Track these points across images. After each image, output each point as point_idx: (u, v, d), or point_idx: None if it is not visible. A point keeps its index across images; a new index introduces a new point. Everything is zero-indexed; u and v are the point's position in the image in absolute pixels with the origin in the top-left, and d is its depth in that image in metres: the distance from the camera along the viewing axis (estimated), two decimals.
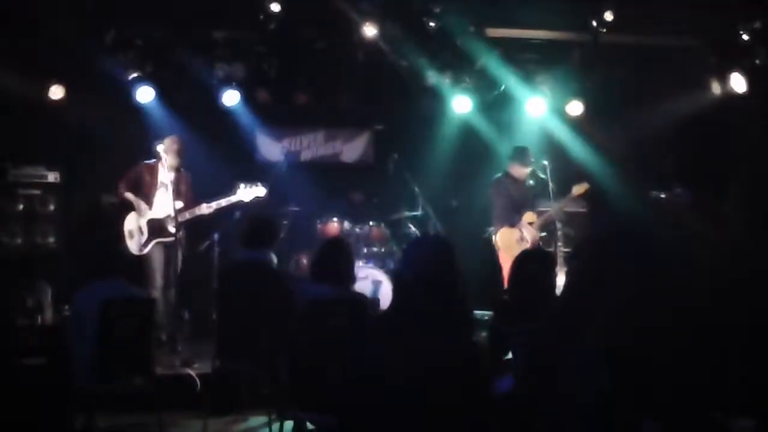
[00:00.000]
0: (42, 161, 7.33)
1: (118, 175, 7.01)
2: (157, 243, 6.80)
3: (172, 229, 6.70)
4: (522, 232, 7.21)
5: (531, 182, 7.58)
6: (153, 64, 7.43)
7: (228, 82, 7.66)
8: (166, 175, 6.85)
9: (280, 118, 8.76)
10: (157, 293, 6.68)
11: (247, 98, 7.95)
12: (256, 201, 6.92)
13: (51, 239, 7.26)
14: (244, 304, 4.99)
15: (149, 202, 6.88)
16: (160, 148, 6.73)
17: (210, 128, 7.93)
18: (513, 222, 7.28)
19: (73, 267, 6.64)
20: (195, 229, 7.03)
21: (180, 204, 6.72)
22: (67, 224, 7.42)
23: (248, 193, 6.89)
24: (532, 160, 7.43)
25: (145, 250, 6.79)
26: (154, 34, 7.32)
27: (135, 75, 7.31)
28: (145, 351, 4.96)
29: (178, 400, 5.56)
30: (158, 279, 6.80)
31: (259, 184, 6.95)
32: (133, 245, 6.82)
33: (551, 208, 7.39)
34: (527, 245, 7.01)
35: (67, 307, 6.35)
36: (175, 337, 6.62)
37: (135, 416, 5.24)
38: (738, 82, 7.67)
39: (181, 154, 6.96)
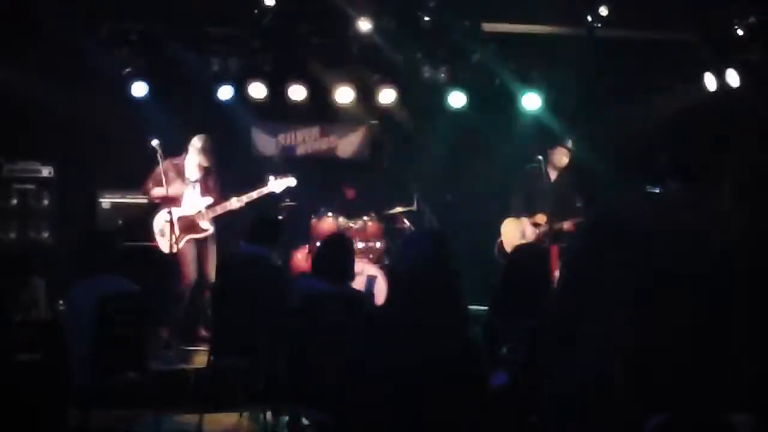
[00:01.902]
0: (36, 156, 7.31)
1: (113, 171, 6.99)
2: (189, 240, 6.71)
3: (203, 225, 6.70)
4: (525, 229, 7.18)
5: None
6: (147, 59, 7.40)
7: (222, 76, 7.64)
8: (193, 171, 6.81)
9: (275, 113, 8.73)
10: (187, 290, 6.66)
11: (242, 93, 7.92)
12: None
13: (45, 234, 7.25)
14: (242, 299, 4.99)
15: (178, 199, 6.77)
16: (191, 144, 6.74)
17: (205, 123, 7.88)
18: (518, 216, 7.29)
19: (67, 262, 6.62)
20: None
21: (210, 200, 6.74)
22: (62, 219, 7.40)
23: (279, 184, 6.98)
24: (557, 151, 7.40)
25: (177, 248, 6.62)
26: (148, 29, 7.29)
27: (129, 70, 7.28)
28: (141, 347, 4.96)
29: (174, 395, 5.57)
30: (190, 276, 6.71)
31: (289, 175, 7.04)
32: (164, 243, 6.66)
33: (566, 222, 7.23)
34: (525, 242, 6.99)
35: (61, 302, 6.34)
36: (172, 332, 6.61)
37: (131, 412, 5.24)
38: (732, 78, 7.67)
39: (208, 154, 6.85)
